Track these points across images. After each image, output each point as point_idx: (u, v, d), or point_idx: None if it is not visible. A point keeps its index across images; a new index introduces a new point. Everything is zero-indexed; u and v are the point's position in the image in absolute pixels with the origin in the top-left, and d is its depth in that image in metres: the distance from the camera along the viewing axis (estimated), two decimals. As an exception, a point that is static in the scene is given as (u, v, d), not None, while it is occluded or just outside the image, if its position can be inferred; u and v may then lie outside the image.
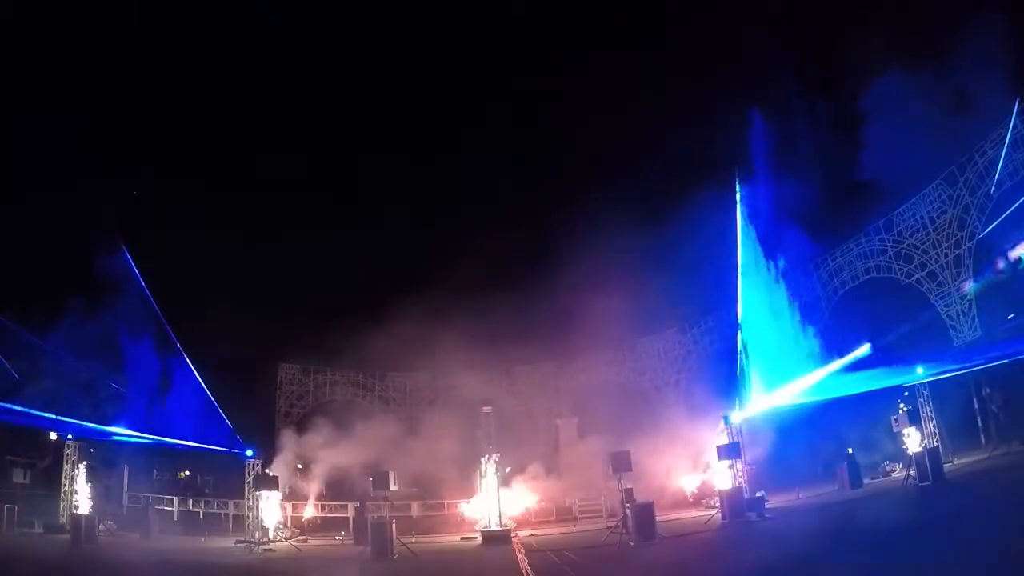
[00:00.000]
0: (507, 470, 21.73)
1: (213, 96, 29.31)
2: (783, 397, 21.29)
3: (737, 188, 23.29)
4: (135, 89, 27.09)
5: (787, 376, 21.59)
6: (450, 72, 31.24)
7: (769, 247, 23.61)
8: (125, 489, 24.51)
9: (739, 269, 23.22)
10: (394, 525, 18.18)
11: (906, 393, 20.20)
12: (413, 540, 20.79)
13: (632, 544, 16.66)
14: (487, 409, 21.89)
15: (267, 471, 22.73)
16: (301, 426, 28.25)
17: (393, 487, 19.40)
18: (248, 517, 21.88)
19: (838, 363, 21.08)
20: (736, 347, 22.96)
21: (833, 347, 22.49)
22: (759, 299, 23.19)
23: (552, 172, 31.78)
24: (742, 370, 22.36)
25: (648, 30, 29.62)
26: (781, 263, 23.59)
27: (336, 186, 31.56)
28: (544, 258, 30.09)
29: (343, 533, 23.81)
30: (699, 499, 23.69)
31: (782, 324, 23.24)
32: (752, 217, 23.18)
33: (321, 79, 31.05)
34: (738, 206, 23.09)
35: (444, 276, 27.32)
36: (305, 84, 31.13)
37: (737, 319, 23.59)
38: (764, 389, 21.71)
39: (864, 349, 20.61)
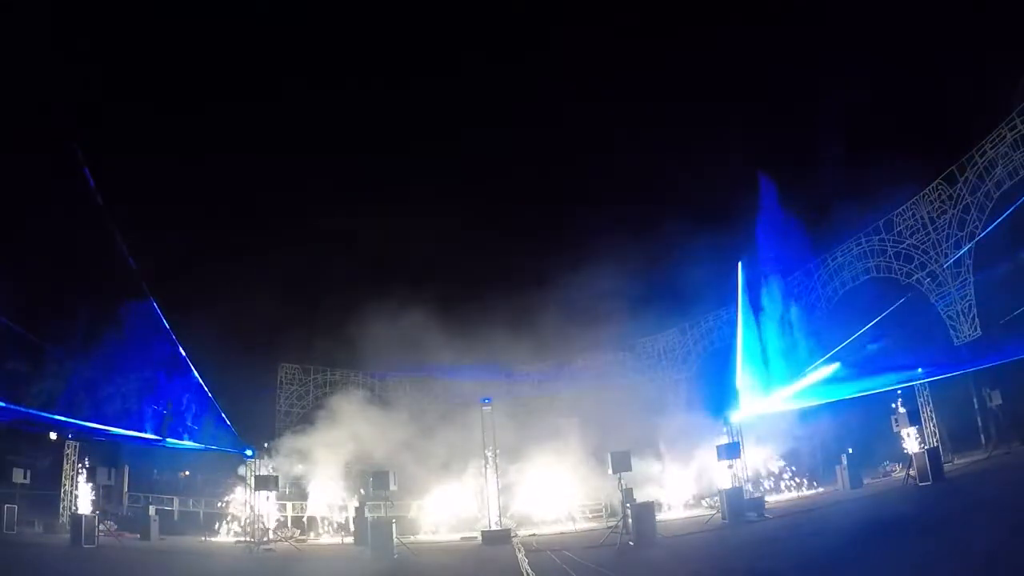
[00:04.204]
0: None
1: (214, 91, 29.37)
2: (783, 400, 21.30)
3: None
4: (133, 79, 27.15)
5: (786, 379, 21.61)
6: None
7: (770, 250, 23.69)
8: (125, 489, 24.50)
9: (739, 273, 23.28)
10: (394, 525, 18.20)
11: (899, 393, 20.26)
12: (413, 539, 20.86)
13: (632, 544, 16.66)
14: (487, 408, 21.93)
15: (267, 471, 22.72)
16: (301, 426, 28.24)
17: (393, 487, 19.43)
18: (248, 517, 21.88)
19: (830, 369, 21.08)
20: (736, 348, 22.98)
21: (832, 348, 22.50)
22: (758, 303, 23.30)
23: (553, 175, 31.84)
24: (742, 372, 22.37)
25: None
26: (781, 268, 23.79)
27: (336, 184, 31.53)
28: (544, 257, 30.30)
29: (343, 533, 23.85)
30: (699, 499, 23.72)
31: (781, 327, 23.30)
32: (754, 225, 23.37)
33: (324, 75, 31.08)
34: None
35: (444, 275, 27.39)
36: (308, 85, 31.15)
37: (737, 320, 23.62)
38: (763, 391, 21.74)
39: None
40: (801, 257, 25.77)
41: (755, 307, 23.48)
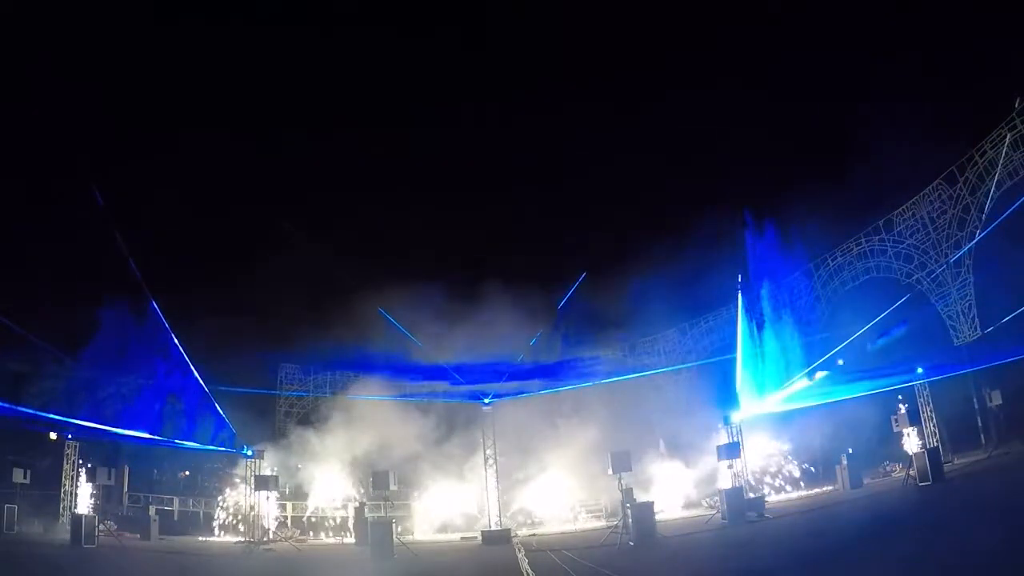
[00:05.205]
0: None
1: (213, 92, 29.38)
2: (782, 401, 21.27)
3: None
4: (135, 81, 27.19)
5: (785, 379, 21.58)
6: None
7: (770, 251, 23.67)
8: (125, 489, 24.48)
9: (740, 279, 23.28)
10: (394, 525, 18.20)
11: (899, 396, 20.30)
12: (412, 539, 20.87)
13: (632, 544, 16.66)
14: (487, 407, 21.95)
15: (267, 471, 22.70)
16: (301, 425, 28.24)
17: (393, 487, 19.44)
18: (248, 517, 21.87)
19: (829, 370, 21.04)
20: (736, 348, 22.95)
21: (832, 349, 22.47)
22: (758, 308, 23.31)
23: (554, 176, 31.91)
24: (742, 372, 22.34)
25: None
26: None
27: (337, 183, 31.56)
28: (544, 256, 30.32)
29: (343, 533, 23.86)
30: (699, 499, 23.71)
31: (780, 330, 23.29)
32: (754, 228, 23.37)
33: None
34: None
35: (444, 274, 27.35)
36: (310, 84, 31.16)
37: (737, 320, 23.59)
38: (762, 392, 21.70)
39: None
40: (800, 258, 25.79)
41: (755, 311, 23.48)
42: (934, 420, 21.27)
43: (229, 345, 24.37)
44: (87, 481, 19.67)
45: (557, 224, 31.44)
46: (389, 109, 31.85)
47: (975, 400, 21.89)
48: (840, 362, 20.19)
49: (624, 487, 18.10)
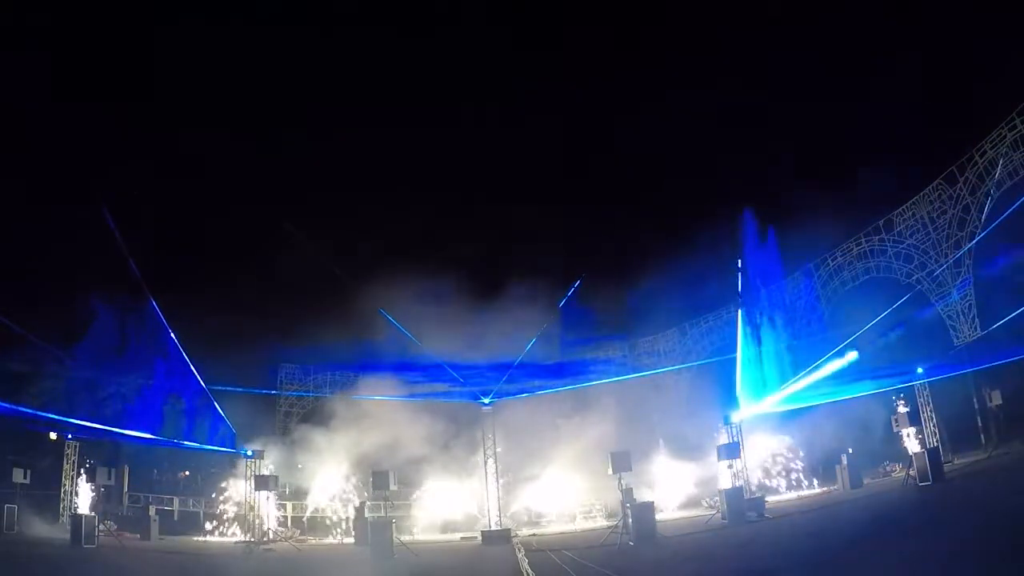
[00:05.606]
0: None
1: (213, 92, 29.35)
2: (781, 401, 21.26)
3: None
4: (135, 81, 27.21)
5: (784, 380, 21.58)
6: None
7: (770, 251, 23.68)
8: (125, 489, 24.49)
9: (739, 276, 23.27)
10: (394, 525, 18.21)
11: (902, 396, 20.30)
12: (412, 539, 20.87)
13: (632, 544, 16.65)
14: (487, 407, 21.94)
15: (267, 470, 22.70)
16: (301, 425, 28.24)
17: (393, 487, 19.44)
18: (248, 517, 21.88)
19: (831, 368, 21.01)
20: (736, 349, 22.96)
21: (832, 349, 22.47)
22: (758, 309, 23.32)
23: (553, 176, 31.88)
24: (741, 372, 22.35)
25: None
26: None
27: (336, 183, 31.54)
28: (545, 256, 30.28)
29: (343, 533, 23.87)
30: (700, 499, 23.72)
31: (779, 331, 23.31)
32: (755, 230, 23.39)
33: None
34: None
35: (444, 274, 27.35)
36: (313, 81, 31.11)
37: (737, 320, 23.60)
38: (762, 393, 21.70)
39: (851, 356, 20.49)
40: (801, 258, 25.80)
41: (755, 312, 23.48)
42: (934, 420, 21.28)
43: (229, 345, 24.39)
44: (87, 481, 19.67)
45: (558, 224, 31.41)
46: (388, 109, 31.82)
47: (975, 400, 21.89)
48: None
49: (624, 487, 18.10)
